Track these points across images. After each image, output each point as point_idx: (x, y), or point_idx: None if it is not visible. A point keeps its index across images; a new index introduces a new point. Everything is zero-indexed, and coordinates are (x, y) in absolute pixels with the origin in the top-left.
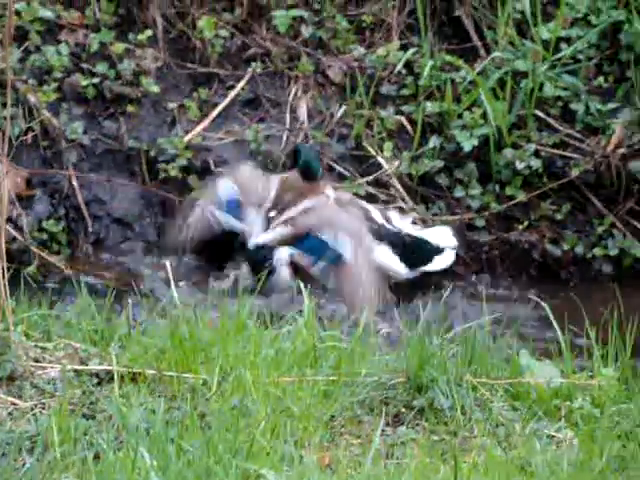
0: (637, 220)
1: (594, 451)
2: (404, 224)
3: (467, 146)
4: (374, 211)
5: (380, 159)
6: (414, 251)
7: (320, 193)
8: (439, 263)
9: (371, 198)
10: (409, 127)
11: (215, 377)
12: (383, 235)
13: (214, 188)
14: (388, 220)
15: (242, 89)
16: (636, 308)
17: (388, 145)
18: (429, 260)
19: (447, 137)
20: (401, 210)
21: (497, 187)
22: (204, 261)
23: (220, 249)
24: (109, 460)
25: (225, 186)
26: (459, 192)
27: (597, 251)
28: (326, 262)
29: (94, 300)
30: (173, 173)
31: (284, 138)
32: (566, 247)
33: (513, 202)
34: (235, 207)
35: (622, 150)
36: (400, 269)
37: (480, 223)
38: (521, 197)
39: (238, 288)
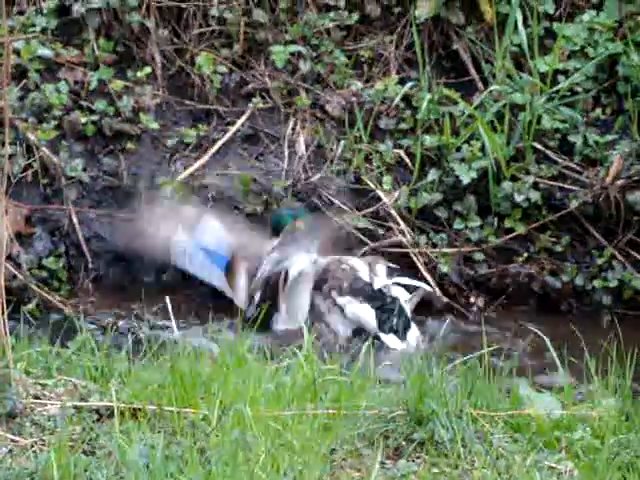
0: (637, 251)
1: None
2: (389, 281)
3: (466, 179)
4: (362, 269)
5: (379, 193)
6: (390, 315)
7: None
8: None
9: (369, 233)
10: (408, 161)
11: (215, 412)
12: (367, 294)
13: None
14: (374, 275)
15: (241, 125)
16: (636, 339)
17: (387, 179)
18: (400, 330)
19: (446, 170)
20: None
21: (496, 220)
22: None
23: None
24: None
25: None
26: (458, 225)
27: (597, 283)
28: None
29: (94, 336)
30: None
31: (283, 173)
32: (566, 279)
33: (512, 235)
34: (223, 264)
35: (621, 182)
36: (373, 326)
37: (479, 256)
38: (520, 229)
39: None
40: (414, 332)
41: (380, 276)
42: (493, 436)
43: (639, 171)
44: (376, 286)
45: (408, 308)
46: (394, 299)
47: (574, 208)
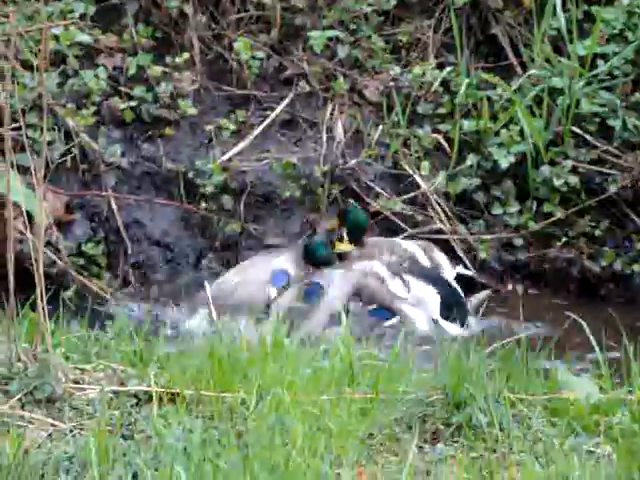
0: None
1: (633, 466)
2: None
3: (504, 163)
4: (419, 253)
5: (417, 178)
6: (450, 303)
7: (368, 257)
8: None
9: (408, 219)
10: (446, 145)
11: (253, 396)
12: (428, 276)
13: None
14: (436, 262)
15: (280, 110)
16: None
17: (425, 164)
18: (459, 316)
19: (484, 155)
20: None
21: (535, 204)
22: None
23: None
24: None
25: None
26: (497, 210)
27: (636, 267)
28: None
29: (133, 322)
30: (210, 195)
31: (322, 159)
32: (605, 263)
33: (551, 219)
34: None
35: None
36: (435, 311)
37: (518, 242)
38: (559, 214)
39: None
40: (471, 321)
41: (444, 265)
42: (531, 420)
43: None
44: (447, 277)
45: (468, 301)
46: (455, 289)
47: (613, 192)
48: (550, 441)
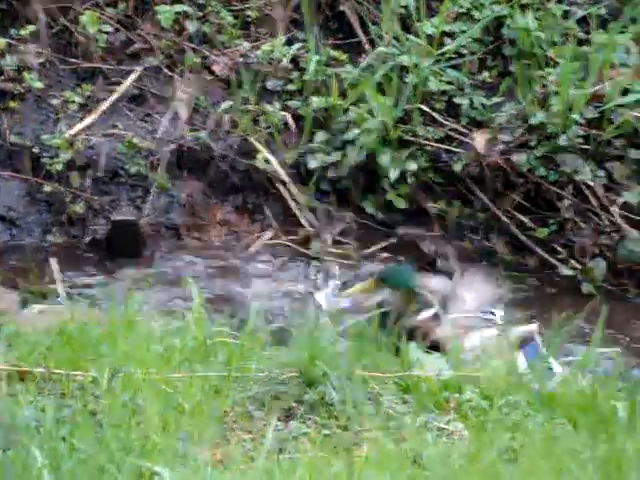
0: (521, 213)
1: (484, 442)
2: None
3: None
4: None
5: (267, 155)
6: None
7: None
8: None
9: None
10: (292, 123)
11: (105, 374)
12: None
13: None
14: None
15: (127, 85)
16: (521, 299)
17: (274, 140)
18: None
19: (333, 133)
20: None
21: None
22: None
23: None
24: None
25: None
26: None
27: (483, 244)
28: None
29: None
30: (57, 170)
31: (169, 133)
32: (453, 241)
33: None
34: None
35: (500, 147)
36: None
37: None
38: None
39: None
40: None
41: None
42: (383, 397)
43: (523, 133)
44: None
45: None
46: None
47: (459, 171)
48: (402, 418)
